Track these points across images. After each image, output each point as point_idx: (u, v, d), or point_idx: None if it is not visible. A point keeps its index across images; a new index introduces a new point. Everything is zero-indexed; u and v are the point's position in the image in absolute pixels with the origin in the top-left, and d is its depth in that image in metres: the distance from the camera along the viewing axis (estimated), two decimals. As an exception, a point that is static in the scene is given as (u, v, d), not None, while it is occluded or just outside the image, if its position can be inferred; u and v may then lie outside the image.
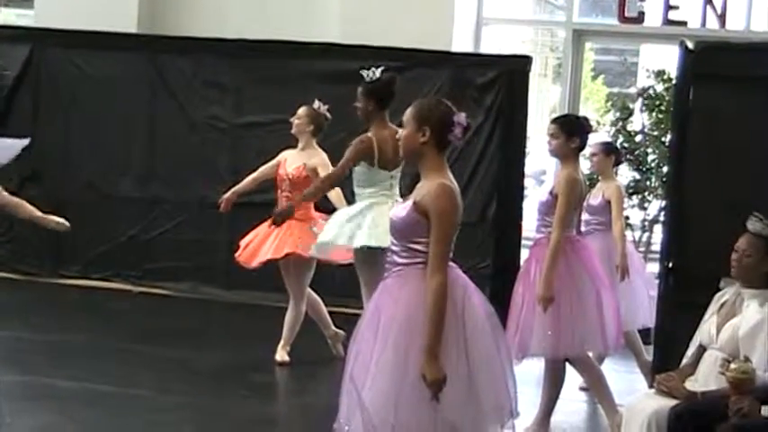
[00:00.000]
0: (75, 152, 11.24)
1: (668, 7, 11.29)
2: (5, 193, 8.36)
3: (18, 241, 11.37)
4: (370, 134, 7.48)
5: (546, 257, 6.65)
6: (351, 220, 7.46)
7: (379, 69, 7.53)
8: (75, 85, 11.27)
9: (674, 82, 9.46)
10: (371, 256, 7.24)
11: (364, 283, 7.40)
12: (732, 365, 5.38)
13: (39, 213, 7.22)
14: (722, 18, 11.30)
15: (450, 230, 4.61)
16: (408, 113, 4.78)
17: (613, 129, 10.54)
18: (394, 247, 4.77)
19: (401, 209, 4.75)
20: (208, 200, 9.63)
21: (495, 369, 4.74)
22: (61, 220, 7.15)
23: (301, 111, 8.53)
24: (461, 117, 4.72)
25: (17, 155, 8.21)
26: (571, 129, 6.90)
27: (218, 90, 11.05)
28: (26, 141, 7.96)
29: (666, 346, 7.14)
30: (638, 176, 10.34)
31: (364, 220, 7.39)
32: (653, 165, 10.35)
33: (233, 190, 8.57)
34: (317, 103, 8.51)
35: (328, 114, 8.50)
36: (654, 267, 8.62)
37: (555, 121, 7.11)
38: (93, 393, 7.46)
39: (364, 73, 7.56)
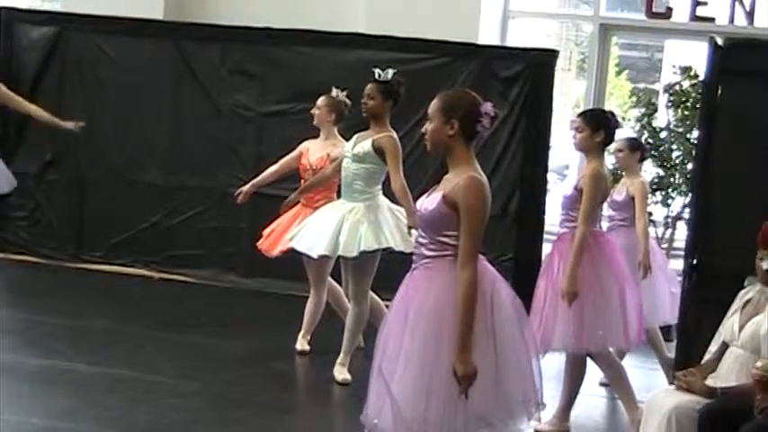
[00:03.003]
0: (100, 138, 11.23)
1: (696, 3, 11.21)
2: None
3: (40, 225, 11.40)
4: (392, 134, 7.60)
5: (571, 252, 6.63)
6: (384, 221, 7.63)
7: (392, 71, 7.63)
8: (100, 71, 11.26)
9: (700, 78, 9.41)
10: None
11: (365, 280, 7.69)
12: (758, 363, 5.35)
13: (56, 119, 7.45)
14: (750, 15, 11.21)
15: (480, 223, 4.58)
16: (434, 106, 4.73)
17: (638, 124, 10.49)
18: (421, 240, 4.73)
19: (429, 201, 4.70)
20: (231, 188, 9.61)
21: (523, 361, 4.73)
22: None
23: (321, 101, 8.51)
24: (488, 107, 4.68)
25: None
26: (596, 123, 6.88)
27: (244, 78, 11.03)
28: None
29: (689, 343, 7.12)
30: (662, 173, 10.29)
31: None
32: (677, 161, 10.30)
33: (252, 182, 8.59)
34: (334, 91, 8.48)
35: (348, 101, 8.48)
36: (676, 264, 8.58)
37: (581, 114, 7.11)
38: (113, 378, 7.48)
39: (377, 72, 7.62)
